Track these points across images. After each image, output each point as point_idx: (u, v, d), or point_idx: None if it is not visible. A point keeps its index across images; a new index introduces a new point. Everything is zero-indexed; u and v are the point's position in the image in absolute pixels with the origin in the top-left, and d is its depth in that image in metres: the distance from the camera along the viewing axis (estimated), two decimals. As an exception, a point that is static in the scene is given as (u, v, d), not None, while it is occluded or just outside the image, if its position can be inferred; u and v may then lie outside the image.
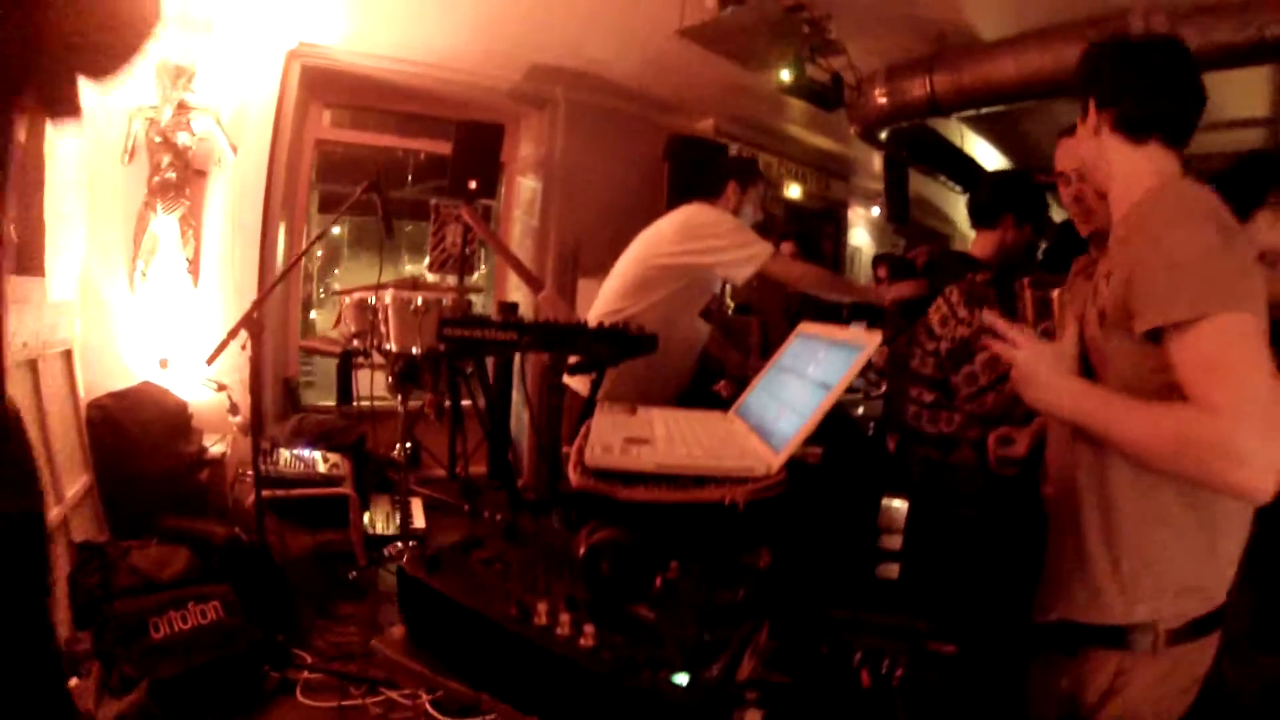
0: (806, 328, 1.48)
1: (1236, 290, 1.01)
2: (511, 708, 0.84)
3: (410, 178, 5.60)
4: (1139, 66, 1.24)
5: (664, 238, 2.70)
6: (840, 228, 7.21)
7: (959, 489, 2.31)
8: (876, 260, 5.59)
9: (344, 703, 1.90)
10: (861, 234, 7.46)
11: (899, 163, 6.07)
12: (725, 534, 1.03)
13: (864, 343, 1.12)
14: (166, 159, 3.76)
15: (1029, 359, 1.18)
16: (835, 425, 1.17)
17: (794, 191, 6.54)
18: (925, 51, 4.43)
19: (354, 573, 2.72)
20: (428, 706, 1.40)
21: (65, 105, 1.26)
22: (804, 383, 1.24)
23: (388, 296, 2.62)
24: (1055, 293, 1.30)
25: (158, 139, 3.73)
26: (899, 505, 1.16)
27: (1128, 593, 1.19)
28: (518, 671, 0.84)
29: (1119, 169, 1.26)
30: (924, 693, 1.01)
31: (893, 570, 1.16)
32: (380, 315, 2.70)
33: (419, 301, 2.58)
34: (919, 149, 5.84)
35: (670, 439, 1.19)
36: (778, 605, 1.01)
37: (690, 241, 2.61)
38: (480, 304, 5.47)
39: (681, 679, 0.77)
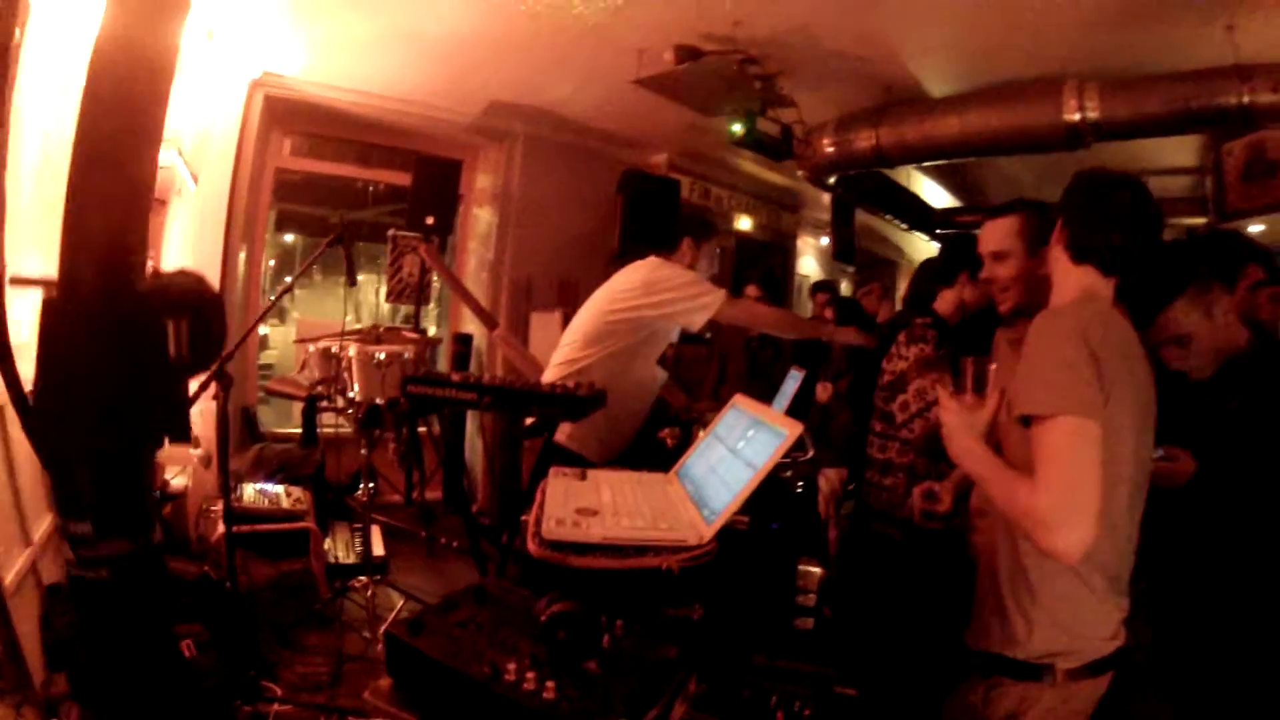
0: (741, 400, 1.68)
1: (1083, 399, 1.26)
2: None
3: (370, 198, 5.71)
4: (1099, 202, 1.46)
5: (623, 292, 2.81)
6: (789, 258, 7.49)
7: (890, 511, 2.58)
8: (815, 287, 5.83)
9: None
10: (810, 263, 7.75)
11: (845, 203, 6.34)
12: (663, 595, 1.22)
13: (786, 431, 1.33)
14: None
15: (952, 422, 1.42)
16: (766, 490, 1.37)
17: (744, 224, 6.79)
18: (874, 104, 4.69)
19: (319, 604, 2.83)
20: (398, 740, 1.54)
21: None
22: (735, 458, 1.44)
23: (351, 350, 2.74)
24: (992, 366, 1.48)
25: None
26: (814, 570, 1.36)
27: (1034, 636, 1.41)
28: (493, 718, 1.01)
29: (1058, 278, 1.51)
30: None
31: (808, 623, 1.35)
32: (344, 365, 2.82)
33: (381, 356, 2.71)
34: (866, 190, 6.08)
35: (615, 509, 1.37)
36: (707, 654, 1.20)
37: (648, 295, 2.74)
38: (433, 326, 5.60)
39: (623, 725, 0.96)
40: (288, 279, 6.12)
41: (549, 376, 2.76)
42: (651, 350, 2.84)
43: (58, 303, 0.69)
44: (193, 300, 0.78)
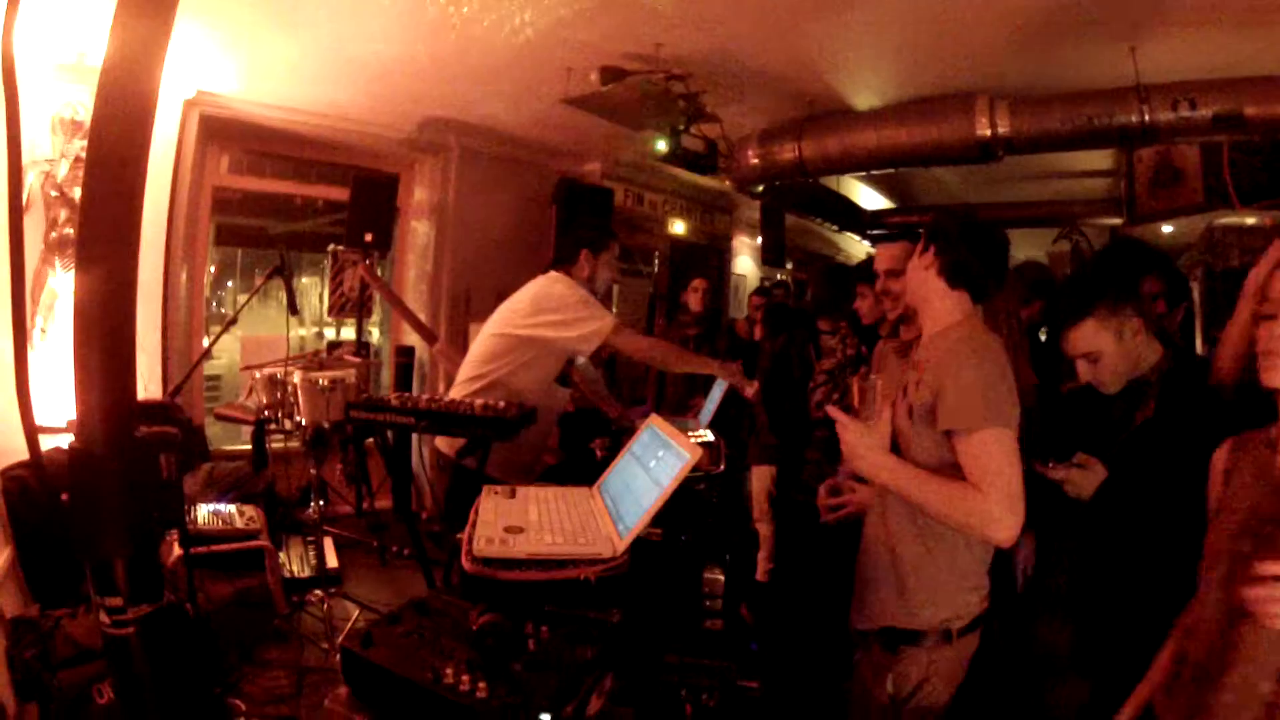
0: (656, 420, 1.87)
1: (1002, 412, 1.53)
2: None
3: (310, 210, 5.73)
4: (971, 242, 1.73)
5: (518, 309, 2.81)
6: (725, 258, 7.73)
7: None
8: (753, 294, 6.09)
9: None
10: (746, 262, 8.00)
11: (774, 210, 6.57)
12: (583, 602, 1.41)
13: (688, 455, 1.53)
14: (64, 214, 3.72)
15: (854, 440, 1.63)
16: (676, 504, 1.57)
17: (679, 228, 6.99)
18: (798, 115, 4.89)
19: (278, 619, 2.95)
20: (357, 742, 1.71)
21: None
22: (647, 476, 1.63)
23: (296, 376, 2.86)
24: (876, 381, 1.67)
25: (54, 194, 3.70)
26: (719, 577, 1.56)
27: (935, 607, 1.66)
28: (436, 717, 1.19)
29: (934, 301, 1.75)
30: (732, 717, 1.43)
31: (718, 624, 1.56)
32: (290, 390, 2.94)
33: (325, 381, 2.84)
34: (795, 196, 6.26)
35: (540, 526, 1.55)
36: (624, 654, 1.40)
37: (539, 315, 2.73)
38: (375, 331, 5.68)
39: (546, 717, 1.15)
40: (229, 284, 6.17)
41: (455, 393, 2.77)
42: (549, 371, 2.81)
43: (79, 450, 0.98)
44: (172, 439, 1.02)
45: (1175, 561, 1.46)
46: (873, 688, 1.75)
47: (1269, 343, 1.29)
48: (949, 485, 1.54)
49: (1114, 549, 1.85)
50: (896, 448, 1.70)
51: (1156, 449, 1.79)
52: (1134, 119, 3.97)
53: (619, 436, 2.78)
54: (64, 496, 1.01)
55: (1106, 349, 1.86)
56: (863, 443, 1.62)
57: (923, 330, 1.82)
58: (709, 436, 2.36)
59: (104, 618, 1.03)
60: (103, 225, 1.07)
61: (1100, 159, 6.21)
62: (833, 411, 1.67)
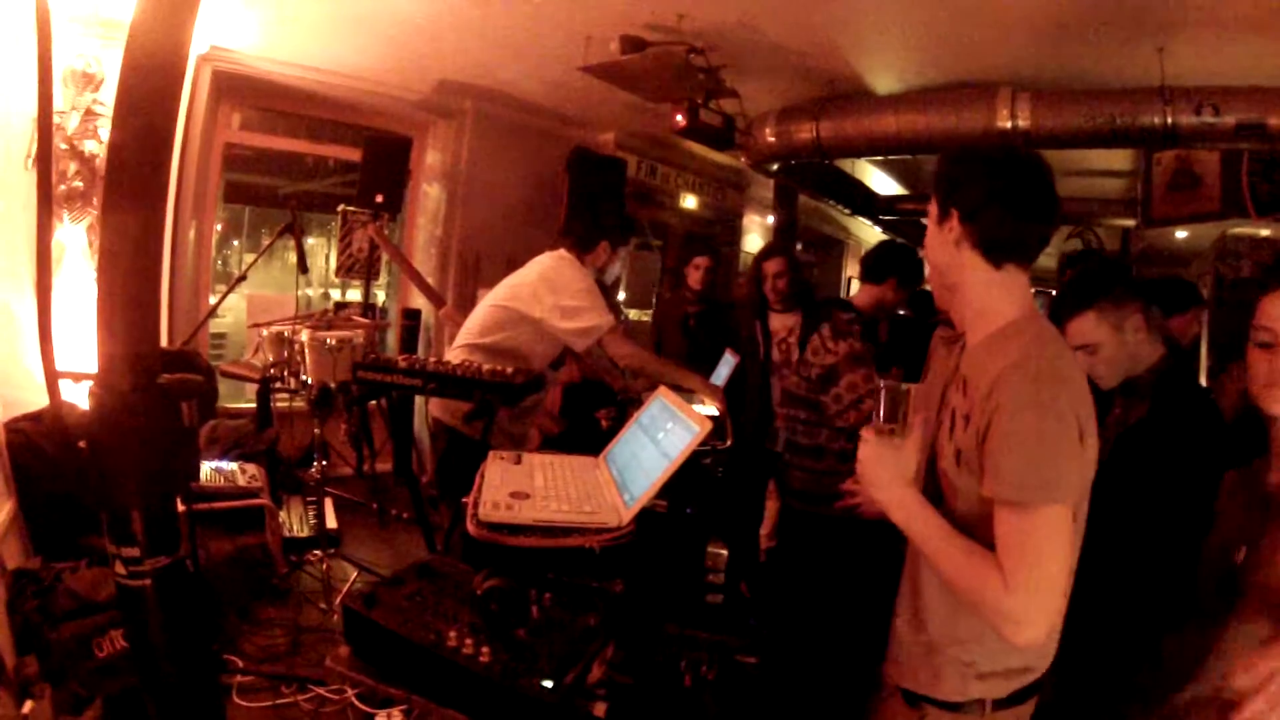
0: (665, 393, 1.86)
1: (1061, 484, 1.13)
2: (429, 702, 1.19)
3: (321, 170, 5.70)
4: (1007, 189, 1.24)
5: (524, 284, 2.80)
6: (736, 236, 7.67)
7: (826, 493, 2.81)
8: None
9: (277, 701, 2.15)
10: (756, 240, 7.93)
11: (788, 189, 6.51)
12: (587, 570, 1.40)
13: (697, 428, 1.51)
14: (73, 167, 3.73)
15: (873, 460, 1.26)
16: (683, 476, 1.56)
17: (690, 203, 6.93)
18: (817, 95, 4.83)
19: (276, 578, 2.97)
20: (353, 699, 1.72)
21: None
22: (655, 448, 1.62)
23: (304, 334, 2.85)
24: (907, 387, 1.30)
25: (64, 147, 3.70)
26: (722, 551, 1.55)
27: (964, 678, 1.32)
28: (437, 680, 1.18)
29: (976, 291, 1.30)
30: (730, 690, 1.43)
31: (718, 598, 1.55)
32: (297, 349, 2.93)
33: (332, 341, 2.82)
34: (809, 177, 6.21)
35: (546, 493, 1.54)
36: (626, 623, 1.39)
37: (544, 296, 2.72)
38: (382, 294, 5.67)
39: (548, 683, 1.14)
40: (235, 243, 6.14)
41: (451, 357, 2.75)
42: (545, 353, 2.80)
43: (102, 397, 0.96)
44: (195, 387, 1.01)
45: (1156, 563, 1.43)
46: None
47: (1270, 375, 1.26)
48: (974, 561, 1.18)
49: (1094, 548, 1.83)
50: (935, 478, 1.33)
51: (1147, 449, 1.78)
52: (1156, 121, 3.92)
53: (624, 407, 2.77)
54: (81, 445, 0.99)
55: (1106, 342, 1.83)
56: (885, 469, 1.26)
57: (965, 327, 1.36)
58: (716, 411, 2.34)
59: (119, 568, 1.03)
60: (130, 175, 1.06)
61: (1118, 159, 6.14)
62: (866, 433, 1.30)
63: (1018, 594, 1.11)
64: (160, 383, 1.02)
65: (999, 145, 1.36)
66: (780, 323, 3.49)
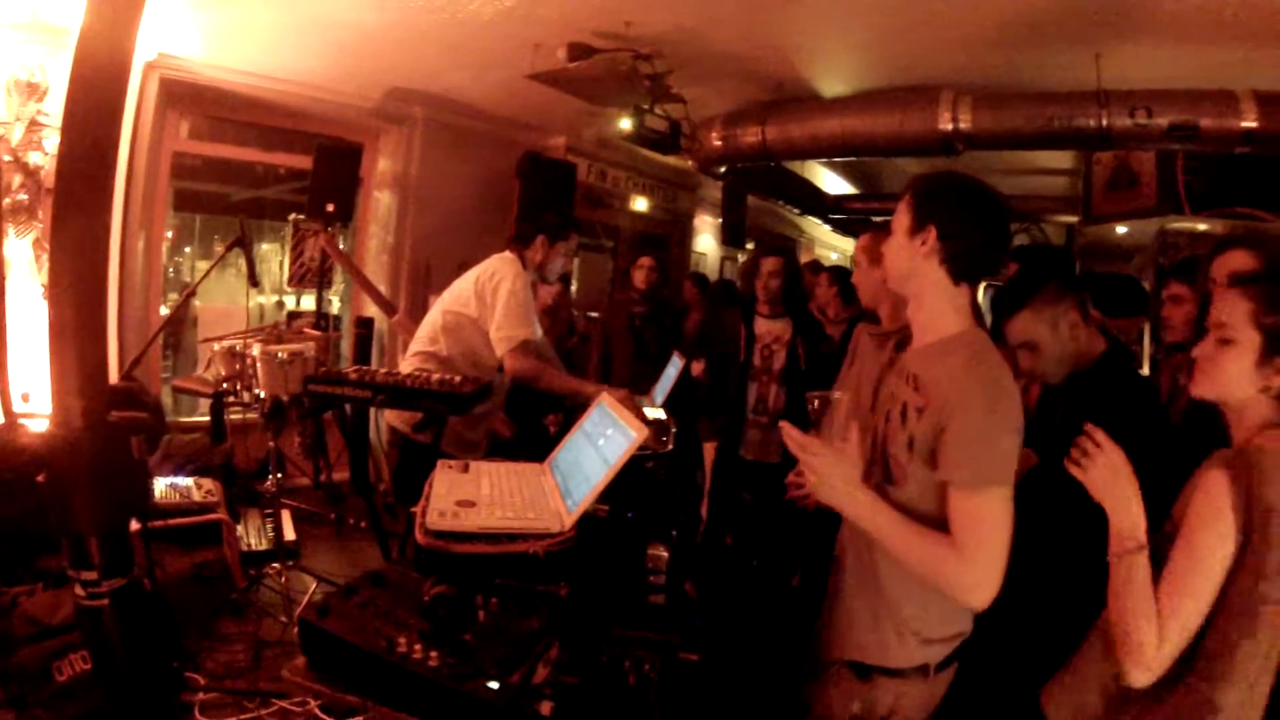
0: (606, 399, 1.92)
1: (1006, 469, 1.34)
2: (388, 709, 1.25)
3: (272, 177, 5.64)
4: (984, 219, 1.42)
5: (465, 288, 2.86)
6: (686, 237, 7.77)
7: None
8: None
9: (241, 717, 2.15)
10: (707, 240, 8.05)
11: (736, 190, 6.61)
12: (532, 574, 1.47)
13: (635, 434, 1.59)
14: (18, 179, 3.66)
15: (823, 466, 1.40)
16: (624, 480, 1.63)
17: (641, 205, 7.01)
18: (765, 98, 4.94)
19: (235, 593, 2.97)
20: (316, 711, 1.76)
21: None
22: (596, 453, 1.69)
23: (255, 349, 2.86)
24: (836, 396, 1.45)
25: (8, 158, 3.63)
26: (663, 553, 1.62)
27: (908, 646, 1.50)
28: (389, 685, 1.24)
29: (932, 301, 1.47)
30: (672, 688, 1.51)
31: (660, 598, 1.62)
32: (249, 362, 2.94)
33: (284, 354, 2.84)
34: (757, 178, 6.32)
35: (491, 500, 1.61)
36: (571, 625, 1.47)
37: (479, 298, 2.78)
38: (336, 300, 5.65)
39: (494, 685, 1.21)
40: (186, 249, 6.04)
41: (404, 367, 2.81)
42: (492, 352, 2.82)
43: (56, 435, 1.03)
44: (142, 425, 1.07)
45: (1087, 557, 1.51)
46: (835, 706, 1.62)
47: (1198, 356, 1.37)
48: (929, 543, 1.36)
49: (1027, 541, 1.90)
50: (888, 468, 1.49)
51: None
52: (1093, 123, 4.07)
53: (572, 412, 2.82)
54: (40, 478, 1.06)
55: (1043, 339, 1.93)
56: (835, 473, 1.40)
57: (912, 329, 1.54)
58: (661, 415, 2.42)
59: (78, 590, 1.08)
60: (81, 188, 1.10)
61: (1061, 158, 6.37)
62: (789, 433, 1.43)
63: (975, 564, 1.31)
64: (110, 421, 1.08)
65: (974, 178, 1.47)
66: (766, 328, 3.58)
